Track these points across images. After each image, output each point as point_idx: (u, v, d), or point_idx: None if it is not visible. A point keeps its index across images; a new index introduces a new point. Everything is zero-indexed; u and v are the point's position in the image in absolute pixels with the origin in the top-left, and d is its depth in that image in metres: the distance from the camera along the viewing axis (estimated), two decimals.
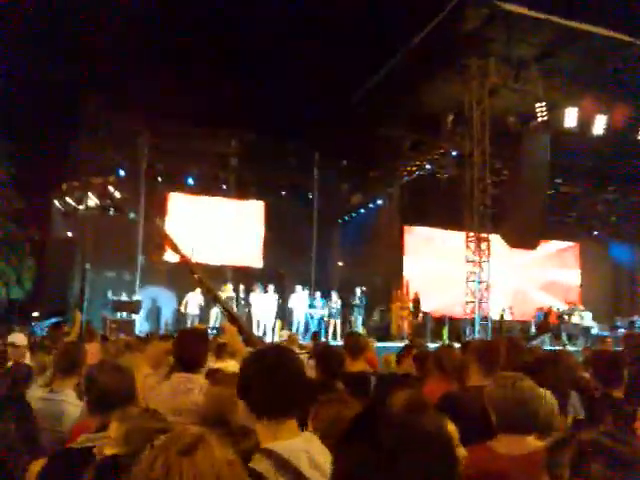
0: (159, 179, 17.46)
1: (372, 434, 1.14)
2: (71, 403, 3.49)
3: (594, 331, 17.05)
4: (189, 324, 14.18)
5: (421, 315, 15.89)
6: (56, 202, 16.21)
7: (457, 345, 5.96)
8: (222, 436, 2.72)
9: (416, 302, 15.81)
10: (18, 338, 5.99)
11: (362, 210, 19.68)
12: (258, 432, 1.96)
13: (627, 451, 1.38)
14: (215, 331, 11.76)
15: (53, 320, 11.92)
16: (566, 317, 17.44)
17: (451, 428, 2.35)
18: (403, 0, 15.76)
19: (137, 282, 16.24)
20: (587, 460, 1.40)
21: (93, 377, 2.79)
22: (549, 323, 17.31)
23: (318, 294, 16.10)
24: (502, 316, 16.98)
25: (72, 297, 15.72)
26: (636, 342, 5.08)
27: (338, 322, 15.53)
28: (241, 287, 15.74)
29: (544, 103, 13.90)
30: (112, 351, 5.69)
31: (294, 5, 16.71)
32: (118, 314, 14.45)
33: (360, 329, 15.27)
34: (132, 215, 16.56)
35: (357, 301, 15.95)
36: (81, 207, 15.87)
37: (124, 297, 14.98)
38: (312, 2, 16.52)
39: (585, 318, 17.48)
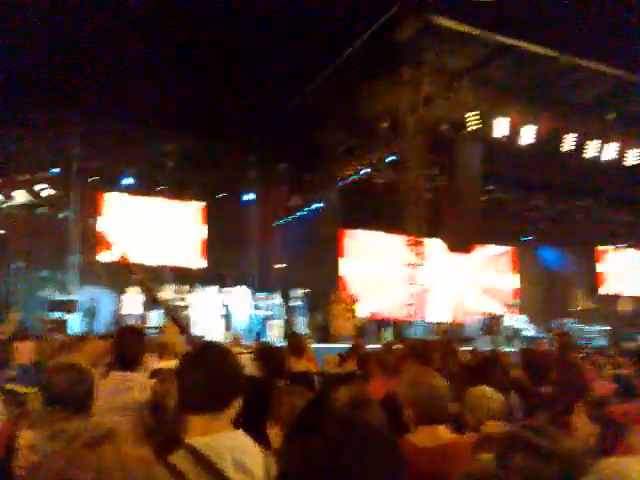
0: (94, 178, 17.04)
1: (318, 427, 1.22)
2: None
3: (529, 333, 17.71)
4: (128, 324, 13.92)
5: (357, 316, 16.21)
6: None
7: (399, 346, 6.12)
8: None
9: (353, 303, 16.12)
10: None
11: (301, 213, 19.79)
12: (188, 427, 1.97)
13: (547, 443, 1.40)
14: (157, 331, 11.62)
15: None
16: (504, 320, 18.09)
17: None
18: (340, 9, 15.96)
19: (73, 281, 15.81)
20: (509, 453, 1.42)
21: (50, 380, 2.79)
22: (493, 326, 17.98)
23: (262, 295, 16.08)
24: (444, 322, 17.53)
25: (4, 297, 15.15)
26: (566, 341, 5.35)
27: (281, 323, 15.52)
28: (182, 288, 15.56)
29: (475, 112, 14.37)
30: (47, 350, 5.60)
31: (233, 7, 16.64)
32: (54, 314, 14.04)
33: (302, 330, 15.37)
34: (64, 214, 16.12)
35: (299, 302, 16.01)
36: (9, 204, 15.37)
37: (60, 296, 14.57)
38: (250, 5, 16.50)
39: (520, 321, 18.19)
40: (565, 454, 1.39)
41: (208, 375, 1.97)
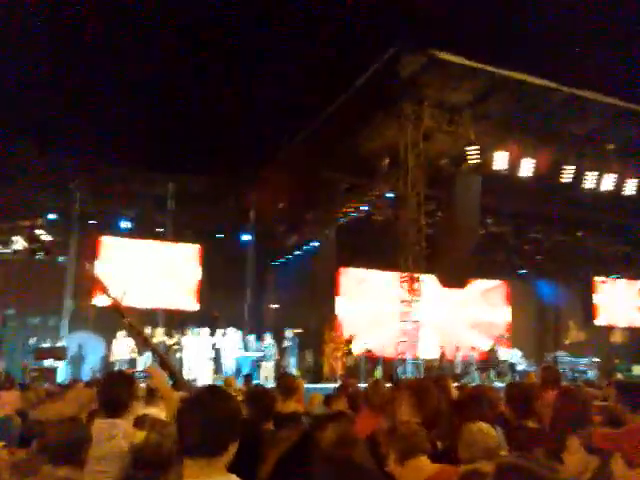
0: (92, 222, 17.01)
1: (303, 467, 1.13)
2: None
3: (520, 367, 17.49)
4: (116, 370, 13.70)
5: (354, 355, 16.06)
6: None
7: (388, 385, 6.01)
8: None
9: (348, 342, 15.95)
10: None
11: (298, 252, 19.69)
12: (184, 472, 1.95)
13: (543, 470, 1.38)
14: (145, 375, 11.37)
15: None
16: (495, 354, 17.92)
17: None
18: (342, 46, 16.17)
19: (63, 328, 15.64)
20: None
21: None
22: (489, 361, 17.80)
23: (252, 337, 15.95)
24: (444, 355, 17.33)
25: None
26: (551, 374, 5.24)
27: (271, 365, 15.35)
28: (176, 330, 15.38)
29: (475, 146, 14.36)
30: (33, 399, 5.41)
31: (233, 45, 16.87)
32: (40, 362, 13.80)
33: (294, 371, 15.14)
34: (61, 258, 16.02)
35: (289, 343, 15.86)
36: (7, 251, 15.28)
37: (48, 344, 14.34)
38: (251, 42, 16.72)
39: (513, 355, 17.99)
40: None
41: (207, 419, 1.96)
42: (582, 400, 3.58)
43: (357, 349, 16.60)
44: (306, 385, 11.33)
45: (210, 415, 1.96)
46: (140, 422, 3.67)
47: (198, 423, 1.95)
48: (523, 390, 4.12)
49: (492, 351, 18.12)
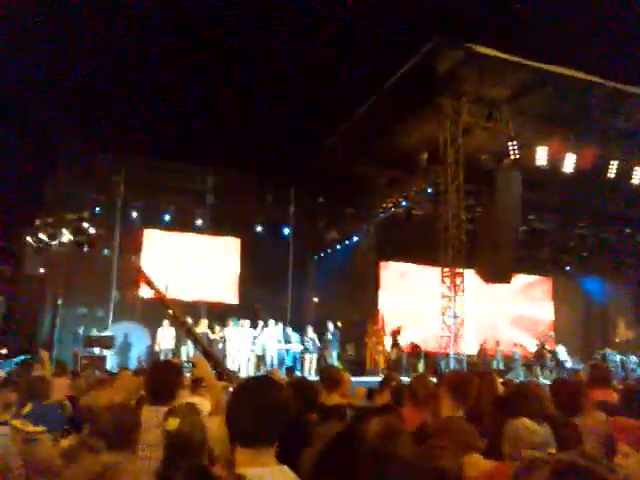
0: (134, 215, 17.40)
1: (348, 459, 1.15)
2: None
3: (568, 365, 17.23)
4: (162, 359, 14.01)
5: (400, 347, 16.03)
6: (28, 238, 16.03)
7: (433, 379, 5.99)
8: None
9: (396, 333, 15.92)
10: None
11: (338, 246, 19.75)
12: (236, 459, 1.98)
13: (602, 470, 1.36)
14: (191, 365, 11.64)
15: (21, 358, 11.66)
16: (542, 351, 17.70)
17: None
18: (379, 40, 16.12)
19: (109, 318, 16.04)
20: (563, 479, 1.39)
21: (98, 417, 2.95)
22: (536, 356, 17.62)
23: (295, 329, 16.12)
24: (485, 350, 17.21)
25: (42, 334, 15.44)
26: (600, 373, 5.13)
27: (314, 357, 15.50)
28: (217, 322, 15.62)
29: (515, 142, 14.19)
30: (83, 386, 5.60)
31: (273, 44, 16.98)
32: (90, 350, 14.23)
33: (335, 364, 15.24)
34: (106, 251, 16.42)
35: (330, 336, 15.93)
36: (54, 243, 15.70)
37: (96, 333, 14.78)
38: (291, 43, 16.82)
39: (559, 352, 17.71)
40: None
41: (260, 408, 2.00)
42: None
43: (404, 341, 16.62)
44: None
45: (263, 404, 2.00)
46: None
47: (251, 412, 1.98)
48: (569, 386, 4.04)
49: (539, 348, 17.93)
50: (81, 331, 14.69)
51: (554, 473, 1.41)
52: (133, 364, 14.79)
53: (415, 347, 16.77)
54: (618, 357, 18.14)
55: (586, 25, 16.22)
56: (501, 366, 17.46)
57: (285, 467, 2.01)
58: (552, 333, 20.55)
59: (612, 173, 15.25)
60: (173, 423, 2.93)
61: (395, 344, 16.13)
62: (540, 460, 1.99)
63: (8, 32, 13.28)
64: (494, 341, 18.74)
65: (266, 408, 2.00)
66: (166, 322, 14.65)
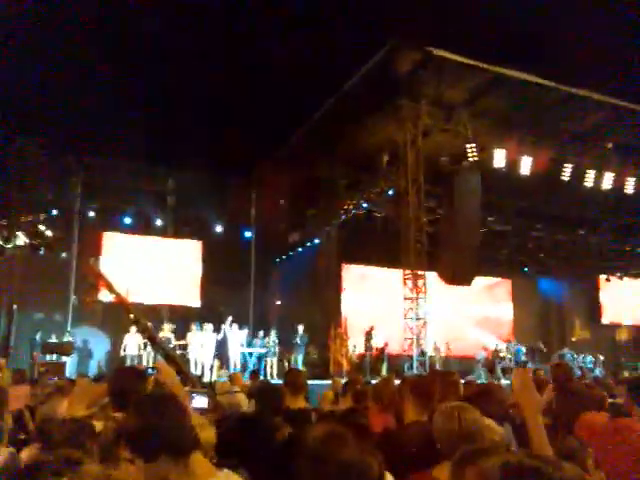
0: (93, 218, 17.10)
1: (289, 465, 1.16)
2: None
3: (528, 365, 17.55)
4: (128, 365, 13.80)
5: (373, 347, 16.10)
6: None
7: (397, 381, 6.03)
8: None
9: (368, 334, 15.98)
10: None
11: (300, 249, 19.74)
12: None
13: (553, 471, 1.36)
14: (153, 371, 11.48)
15: None
16: (501, 353, 17.99)
17: None
18: (338, 42, 16.19)
19: (68, 323, 15.72)
20: (513, 478, 1.39)
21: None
22: (492, 359, 17.92)
23: (260, 333, 16.06)
24: (438, 350, 17.40)
25: None
26: (563, 372, 5.23)
27: (275, 360, 15.49)
28: (179, 326, 15.46)
29: (474, 144, 14.41)
30: (40, 395, 5.47)
31: (233, 45, 16.90)
32: (48, 356, 13.92)
33: (300, 367, 15.24)
34: (64, 254, 16.09)
35: (298, 339, 15.91)
36: (9, 246, 15.32)
37: (54, 339, 14.45)
38: (251, 40, 16.76)
39: (518, 352, 18.05)
40: None
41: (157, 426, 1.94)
42: (581, 397, 3.61)
43: (377, 341, 16.69)
44: (313, 381, 11.46)
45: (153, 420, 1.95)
46: None
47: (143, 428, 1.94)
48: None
49: (496, 349, 18.25)
50: (38, 337, 14.35)
51: (503, 474, 1.40)
52: (93, 370, 14.52)
53: (384, 349, 16.90)
54: (575, 356, 18.60)
55: (541, 29, 16.61)
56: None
57: (227, 472, 1.99)
58: (543, 347, 20.76)
59: (566, 176, 15.60)
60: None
61: (368, 344, 16.17)
62: (477, 452, 2.02)
63: None
64: (458, 343, 19.00)
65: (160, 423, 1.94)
66: (133, 328, 14.43)
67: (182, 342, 14.90)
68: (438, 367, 16.11)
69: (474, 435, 2.58)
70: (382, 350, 16.77)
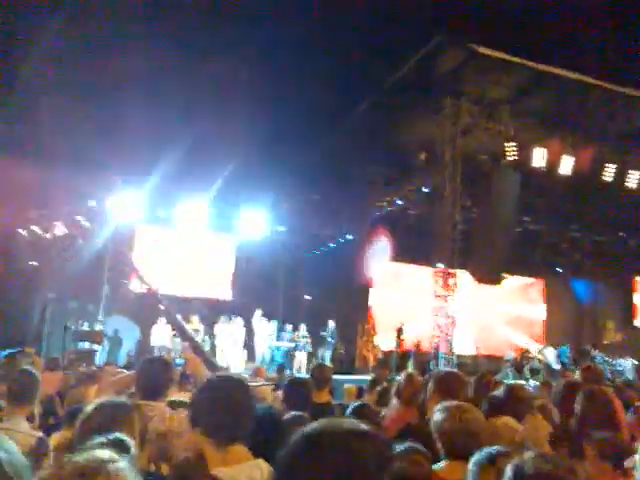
0: (130, 210, 17.27)
1: (316, 459, 1.20)
2: (21, 432, 3.37)
3: (557, 367, 17.26)
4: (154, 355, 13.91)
5: (402, 344, 15.97)
6: (21, 231, 15.90)
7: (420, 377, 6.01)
8: None
9: (399, 332, 15.85)
10: None
11: (332, 244, 19.72)
12: (208, 457, 1.98)
13: (563, 472, 1.37)
14: (181, 362, 11.58)
15: (10, 350, 11.55)
16: (530, 353, 17.75)
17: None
18: (381, 39, 16.06)
19: (100, 312, 15.94)
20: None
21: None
22: (522, 359, 17.70)
23: (288, 327, 16.06)
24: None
25: (32, 328, 15.31)
26: (593, 375, 5.09)
27: (304, 355, 15.44)
28: (209, 319, 15.57)
29: (514, 143, 14.18)
30: (72, 381, 5.53)
31: (270, 44, 16.91)
32: (79, 344, 14.12)
33: (328, 362, 15.23)
34: (99, 245, 16.32)
35: (328, 334, 15.87)
36: (47, 236, 15.61)
37: (86, 327, 14.66)
38: (288, 37, 16.74)
39: (549, 354, 17.75)
40: None
41: (231, 408, 2.00)
42: (608, 402, 3.50)
43: (389, 342, 16.57)
44: (338, 376, 11.41)
45: (225, 402, 2.02)
46: (170, 406, 3.73)
47: (214, 410, 2.01)
48: (567, 390, 4.00)
49: (526, 349, 18.00)
50: (72, 325, 14.58)
51: (515, 476, 1.41)
52: (123, 359, 14.68)
53: (417, 346, 16.69)
54: (606, 359, 18.21)
55: (586, 27, 16.20)
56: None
57: (260, 461, 2.00)
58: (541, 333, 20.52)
59: (608, 176, 15.24)
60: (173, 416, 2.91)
61: (399, 341, 16.03)
62: (498, 454, 1.98)
63: None
64: (488, 343, 18.75)
65: (227, 406, 2.00)
66: (163, 319, 14.55)
67: (210, 334, 14.97)
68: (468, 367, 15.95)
69: (475, 435, 2.57)
70: (417, 346, 16.44)
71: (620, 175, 15.32)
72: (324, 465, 1.19)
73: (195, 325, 14.65)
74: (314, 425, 1.33)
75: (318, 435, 1.27)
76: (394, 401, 4.48)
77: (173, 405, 3.74)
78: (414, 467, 2.38)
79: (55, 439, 3.56)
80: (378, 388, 5.37)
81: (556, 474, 1.36)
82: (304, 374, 11.60)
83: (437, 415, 2.72)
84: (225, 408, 2.00)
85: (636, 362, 18.39)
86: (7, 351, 9.19)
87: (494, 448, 2.31)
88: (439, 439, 2.64)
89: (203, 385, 2.21)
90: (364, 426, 1.31)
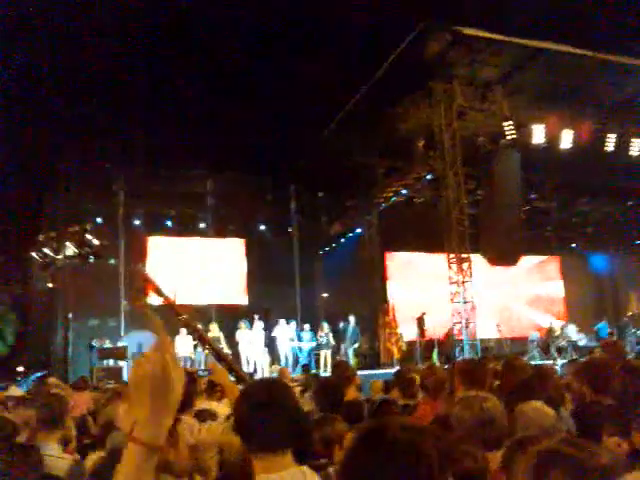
0: (137, 223, 17.43)
1: (377, 454, 1.21)
2: (55, 457, 3.43)
3: (582, 343, 17.19)
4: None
5: (425, 333, 15.92)
6: (33, 254, 16.06)
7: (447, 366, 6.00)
8: None
9: (420, 321, 15.83)
10: (15, 392, 5.94)
11: (342, 240, 19.77)
12: (254, 466, 1.96)
13: (587, 458, 1.36)
14: (206, 372, 11.68)
15: (38, 374, 11.74)
16: (555, 332, 17.67)
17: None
18: (366, 30, 16.04)
19: (121, 328, 16.09)
20: (547, 468, 1.40)
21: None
22: (547, 339, 17.65)
23: (307, 326, 16.08)
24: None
25: (56, 349, 15.50)
26: (615, 350, 5.08)
27: (329, 353, 15.41)
28: (228, 325, 15.62)
29: (511, 122, 14.17)
30: (102, 400, 5.63)
31: (263, 43, 16.94)
32: (105, 362, 14.26)
33: (351, 358, 15.27)
34: (112, 261, 16.47)
35: (350, 330, 15.87)
36: (59, 257, 15.73)
37: (108, 344, 14.80)
38: (280, 33, 16.76)
39: (571, 331, 17.67)
40: (600, 469, 1.35)
41: (276, 417, 1.96)
42: None
43: (409, 333, 16.56)
44: (364, 371, 11.44)
45: (270, 408, 1.97)
46: (199, 415, 3.82)
47: (259, 416, 1.96)
48: (599, 365, 3.92)
49: (553, 329, 17.92)
50: (95, 343, 14.73)
51: (538, 461, 1.43)
52: None
53: (448, 335, 16.59)
54: (632, 331, 18.07)
55: None
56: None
57: (305, 468, 1.98)
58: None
59: (610, 146, 15.21)
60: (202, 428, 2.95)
61: (421, 330, 15.98)
62: (528, 439, 2.01)
63: None
64: (510, 324, 18.64)
65: (274, 411, 1.96)
66: (183, 330, 14.64)
67: (231, 340, 15.03)
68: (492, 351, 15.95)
69: (496, 423, 2.57)
70: (448, 335, 16.25)
71: (621, 144, 15.29)
72: (391, 462, 1.20)
73: (215, 333, 14.72)
74: (375, 423, 1.34)
75: (384, 431, 1.26)
76: (421, 394, 4.51)
77: (200, 416, 3.84)
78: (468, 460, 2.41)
79: (90, 460, 3.63)
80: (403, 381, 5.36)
81: (580, 457, 1.36)
82: (329, 372, 11.69)
83: (457, 408, 2.72)
84: (269, 413, 1.96)
85: None
86: (34, 375, 9.38)
87: (524, 435, 2.33)
88: (459, 430, 2.64)
89: (244, 392, 2.18)
90: (424, 425, 1.33)
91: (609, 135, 15.14)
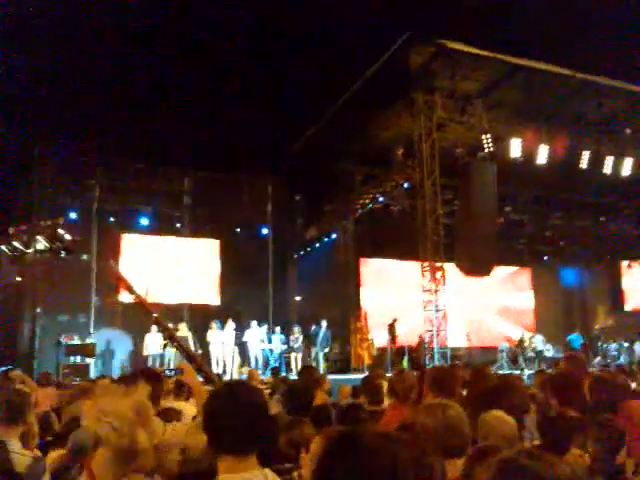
0: (111, 220, 17.23)
1: (351, 460, 1.21)
2: (15, 453, 3.37)
3: (549, 354, 17.44)
4: (150, 365, 13.87)
5: (396, 339, 15.97)
6: (2, 247, 15.79)
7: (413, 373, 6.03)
8: None
9: (391, 327, 15.88)
10: None
11: (317, 244, 19.77)
12: (218, 466, 1.96)
13: (545, 469, 1.35)
14: (173, 372, 11.57)
15: (2, 368, 11.51)
16: (525, 342, 17.90)
17: None
18: (352, 37, 16.16)
19: (91, 325, 15.88)
20: (505, 479, 1.39)
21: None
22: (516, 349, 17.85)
23: (278, 329, 16.04)
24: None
25: (22, 344, 15.24)
26: (578, 363, 5.15)
27: (299, 356, 15.43)
28: (199, 325, 15.51)
29: (489, 135, 14.34)
30: (67, 396, 5.56)
31: (247, 42, 16.96)
32: (72, 358, 14.06)
33: (321, 362, 15.26)
34: (84, 257, 16.25)
35: (322, 334, 15.90)
36: (29, 251, 15.49)
37: (77, 340, 14.60)
38: (262, 38, 16.80)
39: (538, 342, 17.93)
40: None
41: (243, 419, 1.95)
42: (614, 387, 3.54)
43: (380, 340, 16.60)
44: (334, 376, 11.43)
45: (238, 410, 1.96)
46: (162, 414, 3.78)
47: (228, 418, 1.94)
48: (566, 378, 4.00)
49: (522, 340, 18.14)
50: (62, 339, 14.52)
51: (497, 471, 1.41)
52: (117, 371, 14.64)
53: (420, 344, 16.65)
54: (584, 339, 18.47)
55: (553, 17, 16.43)
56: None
57: (267, 471, 1.99)
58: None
59: (584, 163, 15.47)
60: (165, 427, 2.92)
61: (392, 337, 16.03)
62: (489, 449, 2.01)
63: None
64: (479, 334, 18.82)
65: (242, 414, 1.95)
66: (154, 327, 14.50)
67: (200, 340, 14.93)
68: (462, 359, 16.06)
69: (459, 431, 2.57)
70: (420, 343, 16.32)
71: (595, 161, 15.56)
72: (367, 468, 1.21)
73: (183, 332, 14.60)
74: (347, 429, 1.37)
75: (358, 438, 1.27)
76: (388, 399, 4.52)
77: (166, 415, 3.79)
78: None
79: (51, 457, 3.57)
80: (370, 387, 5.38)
81: (538, 469, 1.35)
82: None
83: (422, 415, 2.71)
84: (237, 416, 1.94)
85: (626, 345, 18.66)
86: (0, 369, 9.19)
87: (485, 444, 2.34)
88: (426, 438, 2.58)
89: (214, 393, 2.16)
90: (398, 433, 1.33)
91: (584, 152, 15.40)
